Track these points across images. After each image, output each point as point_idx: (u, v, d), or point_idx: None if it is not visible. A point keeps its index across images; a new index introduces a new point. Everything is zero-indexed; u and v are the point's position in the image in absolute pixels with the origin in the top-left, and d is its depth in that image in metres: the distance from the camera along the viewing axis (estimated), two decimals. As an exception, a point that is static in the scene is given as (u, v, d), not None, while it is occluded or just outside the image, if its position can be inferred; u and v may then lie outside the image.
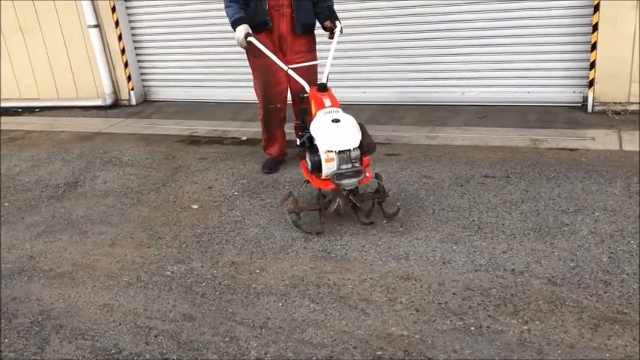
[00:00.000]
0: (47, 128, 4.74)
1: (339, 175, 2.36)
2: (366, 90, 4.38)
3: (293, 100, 3.16)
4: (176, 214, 2.90)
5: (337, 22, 2.90)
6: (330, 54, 2.79)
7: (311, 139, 2.46)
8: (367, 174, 2.44)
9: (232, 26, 2.88)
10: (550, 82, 3.90)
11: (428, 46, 4.11)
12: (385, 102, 4.33)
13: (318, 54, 3.19)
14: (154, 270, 2.39)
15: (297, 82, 2.96)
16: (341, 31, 2.88)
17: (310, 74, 2.97)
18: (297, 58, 2.96)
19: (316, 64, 3.07)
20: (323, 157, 2.37)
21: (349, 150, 2.36)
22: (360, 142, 2.40)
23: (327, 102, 2.49)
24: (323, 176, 2.41)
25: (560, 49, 3.80)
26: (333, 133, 2.36)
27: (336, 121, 2.39)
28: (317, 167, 2.40)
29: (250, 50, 3.00)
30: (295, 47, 2.99)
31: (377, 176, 2.57)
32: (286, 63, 2.97)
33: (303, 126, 2.59)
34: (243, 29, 2.82)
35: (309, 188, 2.77)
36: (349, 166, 2.38)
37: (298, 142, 2.56)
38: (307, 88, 2.66)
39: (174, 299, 2.17)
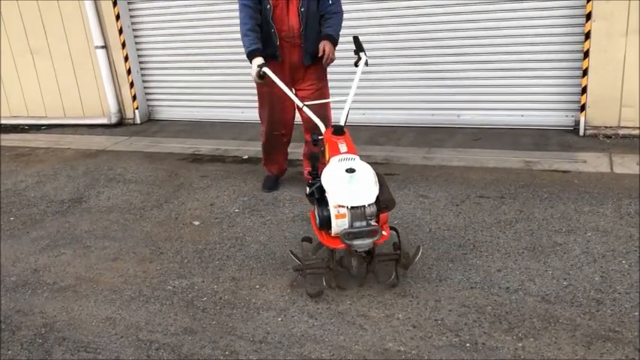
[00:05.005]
0: (53, 145, 4.82)
1: (350, 235, 2.03)
2: (365, 112, 4.48)
3: (307, 131, 3.08)
4: (178, 230, 2.95)
5: (362, 54, 2.67)
6: (351, 91, 2.51)
7: (321, 189, 2.14)
8: (384, 232, 2.09)
9: (247, 57, 2.80)
10: (543, 106, 4.01)
11: (425, 70, 4.23)
12: (383, 123, 4.44)
13: (342, 90, 2.91)
14: (155, 284, 2.43)
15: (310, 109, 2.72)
16: (366, 64, 2.62)
17: (323, 109, 2.84)
18: (307, 86, 2.92)
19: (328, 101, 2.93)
20: (333, 212, 2.05)
21: (364, 206, 2.04)
22: (377, 197, 2.05)
23: (342, 147, 2.20)
24: (333, 234, 2.09)
25: (552, 74, 3.92)
26: (346, 186, 2.04)
27: (351, 170, 2.07)
28: (326, 223, 2.08)
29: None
30: (306, 76, 2.95)
31: (395, 235, 2.25)
32: (298, 92, 2.92)
33: (315, 173, 2.28)
34: (256, 63, 2.72)
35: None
36: (363, 223, 2.04)
37: (307, 191, 2.26)
38: (323, 129, 2.40)
39: (176, 313, 2.21)
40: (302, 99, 2.84)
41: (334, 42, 2.86)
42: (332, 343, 1.95)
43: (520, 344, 1.86)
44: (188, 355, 1.96)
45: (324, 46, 2.82)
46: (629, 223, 2.58)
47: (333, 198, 2.06)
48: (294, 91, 3.00)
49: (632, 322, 1.92)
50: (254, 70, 2.75)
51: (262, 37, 2.85)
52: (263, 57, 2.80)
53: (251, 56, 2.78)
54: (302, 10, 2.81)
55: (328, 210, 2.08)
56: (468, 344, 1.88)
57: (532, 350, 1.83)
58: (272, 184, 3.35)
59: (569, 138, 3.82)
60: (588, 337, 1.86)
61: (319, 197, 2.16)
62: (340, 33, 2.95)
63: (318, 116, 2.51)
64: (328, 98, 2.76)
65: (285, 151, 3.33)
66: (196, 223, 3.02)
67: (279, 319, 2.11)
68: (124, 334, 2.11)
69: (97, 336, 2.11)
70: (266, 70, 2.70)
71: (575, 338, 1.87)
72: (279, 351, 1.93)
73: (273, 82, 2.73)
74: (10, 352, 2.07)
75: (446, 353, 1.85)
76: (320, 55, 2.81)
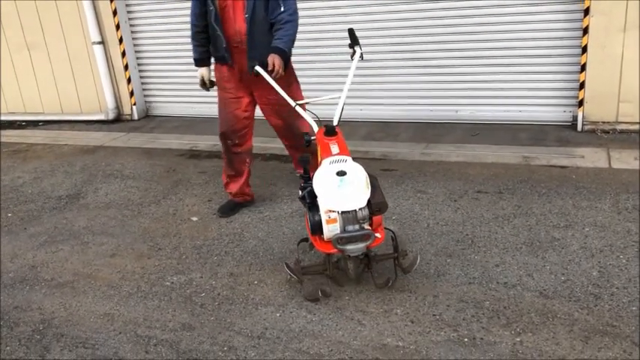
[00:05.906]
0: (50, 141, 4.80)
1: (342, 239, 2.01)
2: (362, 107, 4.47)
3: (280, 137, 2.97)
4: (176, 226, 2.94)
5: (357, 48, 2.51)
6: (345, 87, 2.40)
7: (313, 194, 2.11)
8: (378, 235, 2.07)
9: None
10: (541, 102, 4.01)
11: (423, 65, 4.22)
12: (381, 119, 4.43)
13: (337, 85, 2.75)
14: (154, 280, 2.43)
15: (273, 117, 2.81)
16: (361, 57, 2.48)
17: (281, 114, 2.73)
18: (267, 95, 2.70)
19: (288, 102, 2.55)
20: (324, 217, 2.03)
21: (355, 210, 2.02)
22: (369, 200, 2.03)
23: (334, 149, 2.17)
24: (325, 239, 2.07)
25: (550, 69, 3.91)
26: (336, 190, 2.02)
27: (342, 173, 2.05)
28: (318, 228, 2.07)
29: (218, 81, 2.85)
30: (264, 84, 2.57)
31: (392, 238, 2.24)
32: (259, 103, 2.82)
33: (307, 176, 2.25)
34: (199, 74, 2.85)
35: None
36: (356, 227, 2.02)
37: (300, 194, 2.24)
38: (316, 129, 2.34)
39: (174, 309, 2.21)
40: (263, 109, 2.85)
41: (284, 55, 2.58)
42: (330, 339, 1.95)
43: (518, 339, 1.87)
44: (186, 351, 1.96)
45: (274, 60, 2.53)
46: (627, 218, 2.59)
47: (323, 203, 2.04)
48: (254, 97, 2.84)
49: (629, 317, 1.93)
50: (198, 78, 2.88)
51: (212, 39, 2.74)
52: (215, 58, 2.83)
53: (196, 65, 2.88)
54: (246, 16, 2.61)
55: (319, 215, 2.06)
56: (466, 339, 1.89)
57: (530, 345, 1.83)
58: (228, 209, 2.99)
59: (567, 133, 3.82)
60: (586, 332, 1.87)
61: (310, 202, 2.13)
62: (295, 40, 2.67)
63: (284, 126, 2.54)
64: (296, 108, 2.46)
65: (244, 168, 2.95)
66: (194, 219, 3.02)
67: (278, 315, 2.11)
68: (122, 329, 2.11)
69: (96, 332, 2.11)
70: (258, 68, 2.52)
71: (573, 333, 1.87)
72: (278, 346, 1.94)
73: (222, 86, 2.82)
74: (8, 348, 2.07)
75: (444, 348, 1.85)
76: (270, 69, 2.53)
